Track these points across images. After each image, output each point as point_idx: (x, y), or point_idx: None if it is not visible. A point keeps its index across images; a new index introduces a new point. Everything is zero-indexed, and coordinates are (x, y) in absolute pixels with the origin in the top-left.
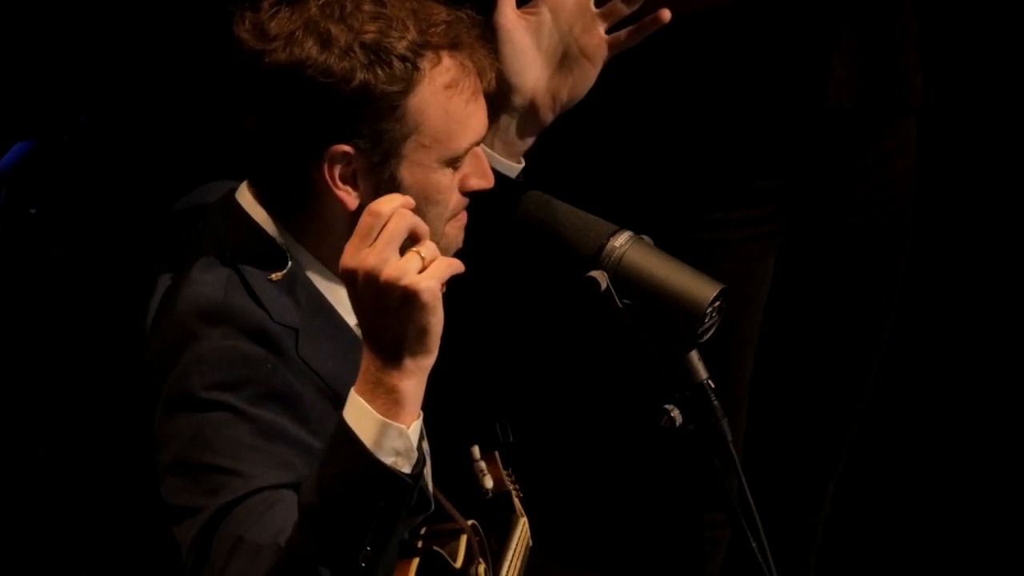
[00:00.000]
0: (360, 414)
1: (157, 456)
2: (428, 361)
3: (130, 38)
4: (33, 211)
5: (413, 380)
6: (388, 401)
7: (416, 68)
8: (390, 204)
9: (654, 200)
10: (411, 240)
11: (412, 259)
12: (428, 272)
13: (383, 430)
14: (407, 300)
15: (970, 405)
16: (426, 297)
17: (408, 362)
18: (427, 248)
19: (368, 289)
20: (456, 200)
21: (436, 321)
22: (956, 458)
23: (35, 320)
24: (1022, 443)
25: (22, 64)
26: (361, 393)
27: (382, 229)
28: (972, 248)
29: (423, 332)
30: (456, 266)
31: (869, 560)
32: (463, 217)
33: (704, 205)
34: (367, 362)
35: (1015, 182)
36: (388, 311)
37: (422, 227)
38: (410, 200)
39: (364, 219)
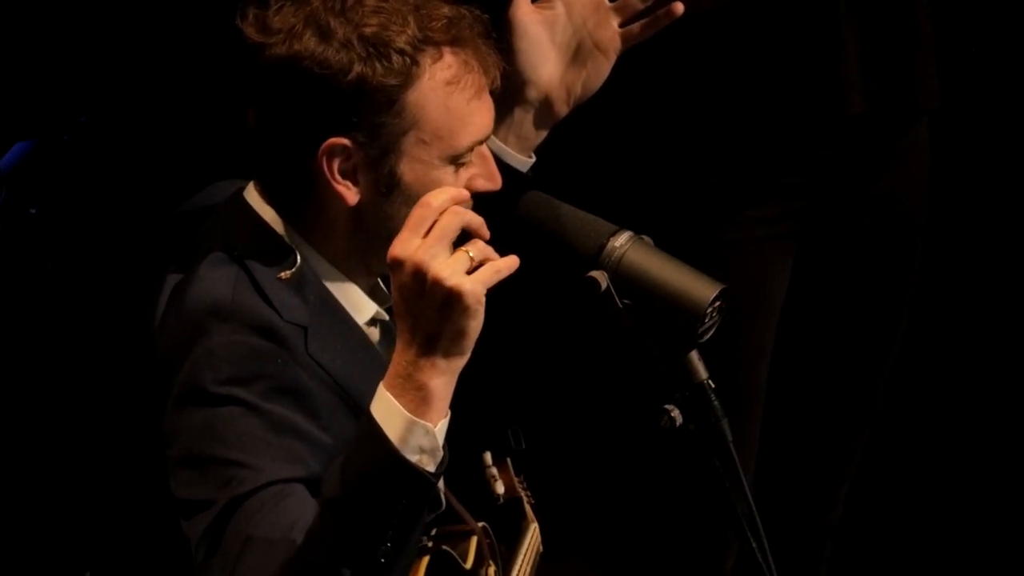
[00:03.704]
0: (387, 410)
1: (167, 450)
2: (460, 363)
3: (130, 38)
4: (33, 211)
5: (443, 379)
6: (416, 398)
7: (415, 63)
8: (441, 196)
9: (672, 201)
10: (463, 237)
11: (461, 258)
12: (476, 276)
13: (409, 427)
14: (450, 300)
15: (984, 408)
16: (469, 300)
17: (440, 361)
18: (477, 248)
19: (413, 283)
20: None
21: (476, 325)
22: (970, 462)
23: (35, 320)
24: None
25: (22, 64)
26: (389, 388)
27: (434, 223)
28: (986, 249)
29: (461, 334)
30: (504, 271)
31: (881, 565)
32: None
33: (721, 205)
34: (399, 356)
35: None
36: (429, 308)
37: (475, 224)
38: (463, 192)
39: (416, 211)
